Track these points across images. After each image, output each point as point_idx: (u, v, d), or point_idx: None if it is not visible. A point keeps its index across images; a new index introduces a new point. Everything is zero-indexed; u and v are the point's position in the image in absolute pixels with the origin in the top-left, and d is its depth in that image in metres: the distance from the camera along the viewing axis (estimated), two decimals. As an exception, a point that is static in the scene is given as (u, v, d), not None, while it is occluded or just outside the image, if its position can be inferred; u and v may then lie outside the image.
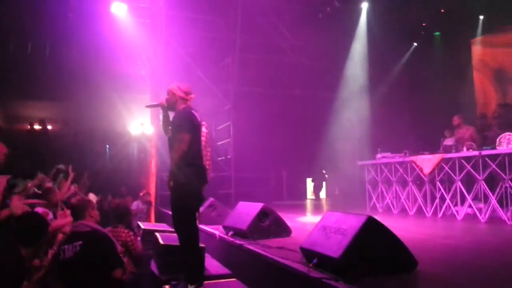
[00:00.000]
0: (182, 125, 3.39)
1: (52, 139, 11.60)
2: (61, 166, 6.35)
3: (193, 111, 3.52)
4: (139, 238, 4.84)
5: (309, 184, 13.41)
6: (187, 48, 10.02)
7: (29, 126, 11.81)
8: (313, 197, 12.91)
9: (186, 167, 3.34)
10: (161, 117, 3.79)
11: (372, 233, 2.82)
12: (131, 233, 4.36)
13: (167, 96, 3.62)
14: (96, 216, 3.39)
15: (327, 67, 11.45)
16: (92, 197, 7.94)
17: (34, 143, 10.97)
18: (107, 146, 11.77)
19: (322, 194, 13.03)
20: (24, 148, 10.69)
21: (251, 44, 10.69)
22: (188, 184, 3.37)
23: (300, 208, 9.50)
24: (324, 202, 11.73)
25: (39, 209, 3.86)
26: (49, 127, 12.08)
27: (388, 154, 7.64)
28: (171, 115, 3.64)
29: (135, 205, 8.23)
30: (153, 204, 9.44)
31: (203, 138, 6.19)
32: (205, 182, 3.54)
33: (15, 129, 11.92)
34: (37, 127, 11.76)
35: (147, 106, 4.05)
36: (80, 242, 3.11)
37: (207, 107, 10.36)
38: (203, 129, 6.31)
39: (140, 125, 11.77)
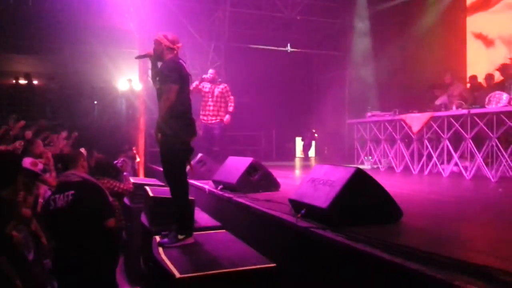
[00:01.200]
0: (170, 75, 3.31)
1: (38, 93, 11.37)
2: (44, 121, 6.27)
3: (180, 61, 3.44)
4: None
5: (299, 143, 13.51)
6: (176, 1, 9.68)
7: (14, 81, 11.53)
8: (302, 156, 13.04)
9: (174, 119, 3.29)
10: (149, 72, 3.71)
11: (360, 184, 2.86)
12: (115, 182, 4.40)
13: (154, 46, 3.52)
14: (86, 166, 3.37)
15: (319, 25, 11.22)
16: (83, 151, 7.92)
17: (20, 97, 10.75)
18: (95, 102, 11.57)
19: (312, 153, 13.17)
20: (9, 103, 10.50)
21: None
22: (176, 136, 3.34)
23: (289, 166, 9.60)
24: (313, 161, 11.86)
25: (28, 159, 3.82)
26: (35, 81, 11.81)
27: (377, 112, 7.67)
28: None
29: (121, 161, 8.23)
30: (143, 160, 9.45)
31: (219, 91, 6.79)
32: (194, 134, 3.50)
33: (0, 83, 11.63)
34: (22, 81, 11.49)
35: (136, 57, 3.94)
36: (72, 192, 3.10)
37: (197, 63, 10.17)
38: (223, 85, 6.89)
39: (127, 81, 11.55)
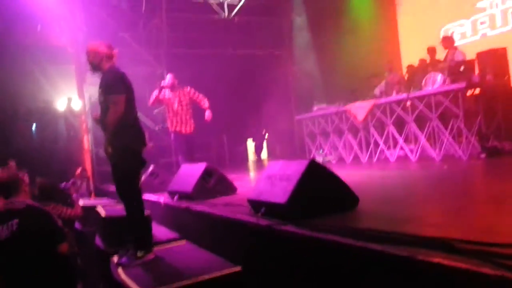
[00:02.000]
0: (114, 85, 3.16)
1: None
2: None
3: (121, 71, 3.30)
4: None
5: (250, 145, 13.52)
6: (109, 11, 9.36)
7: None
8: (255, 158, 13.06)
9: (122, 130, 3.16)
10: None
11: (315, 175, 2.87)
12: (62, 207, 4.16)
13: (88, 57, 3.32)
14: (29, 192, 3.14)
15: (258, 25, 11.31)
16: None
17: None
18: (32, 123, 10.91)
19: (264, 154, 13.23)
20: None
21: (178, 3, 10.22)
22: (126, 147, 3.21)
23: (242, 169, 9.57)
24: (266, 162, 11.91)
25: None
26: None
27: (323, 106, 7.83)
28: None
29: (70, 183, 7.84)
30: (92, 181, 9.04)
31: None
32: (144, 144, 3.39)
33: None
34: None
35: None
36: (16, 220, 2.87)
37: (138, 73, 9.88)
38: (187, 88, 6.30)
39: (67, 99, 11.00)
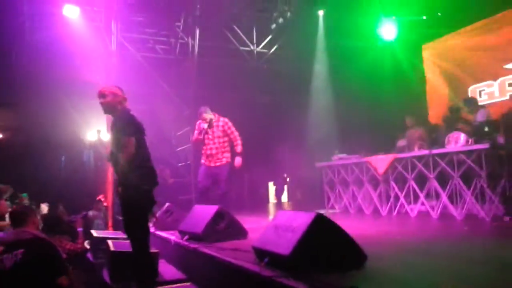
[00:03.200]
0: (125, 128, 3.30)
1: (3, 147, 11.07)
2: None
3: (131, 113, 3.44)
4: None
5: (271, 188, 13.49)
6: (143, 53, 9.85)
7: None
8: (275, 200, 12.99)
9: (132, 171, 3.26)
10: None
11: (321, 229, 2.84)
12: (64, 241, 4.24)
13: (103, 99, 3.42)
14: (37, 223, 3.24)
15: (286, 72, 11.58)
16: (43, 207, 7.65)
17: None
18: (62, 155, 11.34)
19: (284, 197, 13.15)
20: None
21: (209, 49, 10.64)
22: (137, 186, 3.29)
23: (260, 211, 9.51)
24: (285, 205, 11.81)
25: None
26: (0, 135, 11.53)
27: (344, 155, 7.79)
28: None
29: (90, 213, 8.00)
30: (111, 212, 9.18)
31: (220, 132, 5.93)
32: (154, 184, 3.46)
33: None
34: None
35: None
36: (22, 250, 2.95)
37: (166, 113, 10.23)
38: (219, 122, 6.00)
39: (96, 131, 11.42)
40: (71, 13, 8.71)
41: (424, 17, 8.90)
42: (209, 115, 6.06)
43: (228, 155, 6.03)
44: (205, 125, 6.04)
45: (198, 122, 6.19)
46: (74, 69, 9.94)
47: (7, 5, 9.06)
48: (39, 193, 7.74)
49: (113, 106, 3.42)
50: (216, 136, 6.00)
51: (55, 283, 2.96)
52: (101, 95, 3.43)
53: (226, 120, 6.09)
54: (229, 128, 6.04)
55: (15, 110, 11.32)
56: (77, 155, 11.24)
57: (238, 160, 5.93)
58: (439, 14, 8.77)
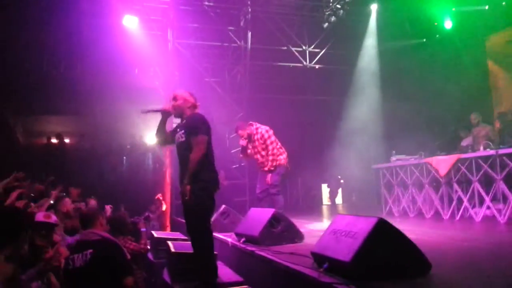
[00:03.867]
0: (199, 127, 3.42)
1: (69, 152, 11.83)
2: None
3: (203, 116, 3.55)
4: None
5: (325, 190, 13.32)
6: (198, 58, 10.10)
7: (46, 140, 12.07)
8: (329, 203, 12.81)
9: (204, 171, 3.35)
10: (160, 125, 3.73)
11: (383, 235, 2.75)
12: (128, 241, 4.42)
13: (175, 102, 3.61)
14: (104, 224, 3.42)
15: (338, 71, 11.39)
16: (107, 209, 8.05)
17: (52, 156, 11.19)
18: (124, 157, 11.91)
19: (338, 199, 12.93)
20: (42, 162, 10.94)
21: (261, 52, 10.71)
22: (205, 188, 3.38)
23: (315, 214, 9.41)
24: (340, 208, 11.60)
25: (41, 213, 3.82)
26: (66, 140, 12.33)
27: (403, 156, 7.51)
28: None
29: (144, 218, 8.33)
30: (169, 213, 9.49)
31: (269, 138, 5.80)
32: (218, 187, 3.55)
33: (34, 143, 12.19)
34: (54, 141, 12.01)
35: (145, 112, 3.83)
36: (91, 251, 3.13)
37: (220, 116, 10.41)
38: (257, 135, 5.88)
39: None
40: (131, 23, 9.12)
41: (487, 7, 8.38)
42: (245, 131, 5.99)
43: (276, 162, 5.87)
44: (244, 142, 5.99)
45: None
46: (133, 76, 10.44)
47: (71, 18, 9.68)
48: (103, 195, 8.16)
49: (182, 109, 3.59)
50: (260, 149, 5.94)
51: (121, 282, 3.11)
52: (173, 98, 3.65)
53: (264, 131, 5.94)
54: (265, 141, 5.89)
55: (81, 118, 12.08)
56: (138, 158, 11.75)
57: (269, 177, 5.79)
58: (504, 3, 8.23)
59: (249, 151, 6.05)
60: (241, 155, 6.25)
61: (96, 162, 11.26)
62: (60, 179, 6.95)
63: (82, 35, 9.88)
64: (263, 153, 5.93)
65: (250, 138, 6.02)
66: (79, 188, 7.62)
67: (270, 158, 5.86)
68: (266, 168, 5.90)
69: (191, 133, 3.45)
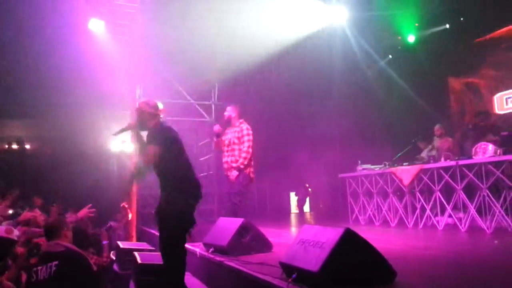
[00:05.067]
0: (155, 138, 3.32)
1: (31, 158, 11.39)
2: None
3: (167, 125, 3.47)
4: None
5: (293, 198, 13.42)
6: (167, 65, 9.98)
7: (6, 146, 11.58)
8: (297, 211, 12.91)
9: (174, 186, 3.29)
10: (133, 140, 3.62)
11: (350, 245, 2.80)
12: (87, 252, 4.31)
13: (136, 116, 3.53)
14: (70, 236, 3.30)
15: (307, 81, 11.55)
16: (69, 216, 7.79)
17: (11, 163, 10.74)
18: (87, 164, 11.58)
19: (306, 207, 13.05)
20: (1, 169, 10.48)
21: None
22: (180, 204, 3.31)
23: (283, 222, 9.45)
24: (307, 216, 11.71)
25: (1, 228, 3.69)
26: (27, 146, 11.86)
27: (368, 166, 7.70)
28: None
29: (112, 223, 8.10)
30: (135, 222, 9.27)
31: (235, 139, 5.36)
32: (199, 198, 3.48)
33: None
34: (14, 146, 11.54)
35: (115, 134, 3.71)
36: (56, 262, 3.02)
37: (188, 124, 10.32)
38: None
39: (121, 142, 11.63)
40: (97, 27, 8.92)
41: (447, 26, 8.76)
42: (234, 113, 5.61)
43: (246, 162, 5.44)
44: (226, 115, 5.62)
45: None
46: (99, 81, 10.18)
47: (34, 19, 9.36)
48: (66, 203, 7.89)
49: (141, 123, 3.49)
50: (235, 141, 5.48)
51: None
52: (135, 112, 3.56)
53: (249, 131, 5.55)
54: (244, 136, 5.47)
55: (42, 122, 11.66)
56: (101, 165, 11.45)
57: (234, 175, 5.41)
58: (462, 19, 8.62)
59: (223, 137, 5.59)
60: (215, 129, 5.59)
61: (58, 169, 10.88)
62: (20, 186, 6.69)
63: (45, 35, 9.57)
64: (236, 147, 5.45)
65: (229, 123, 5.63)
66: (41, 197, 7.34)
67: (243, 155, 5.38)
68: (234, 164, 5.40)
69: (148, 143, 3.38)
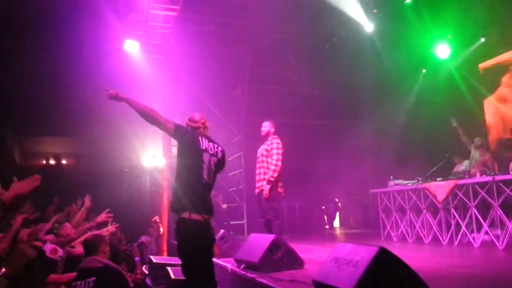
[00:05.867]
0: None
1: (66, 174, 11.79)
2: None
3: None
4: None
5: (323, 213, 13.28)
6: (197, 82, 10.22)
7: (44, 162, 12.05)
8: (327, 226, 12.76)
9: (182, 193, 3.16)
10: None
11: (385, 264, 2.77)
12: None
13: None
14: (107, 252, 3.41)
15: (336, 96, 11.53)
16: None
17: (49, 178, 11.14)
18: (121, 180, 11.88)
19: (336, 223, 12.89)
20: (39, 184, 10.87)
21: (260, 75, 10.87)
22: (187, 218, 3.05)
23: (313, 238, 9.37)
24: (338, 231, 11.56)
25: (49, 246, 3.83)
26: (64, 162, 12.31)
27: (400, 181, 7.56)
28: None
29: (143, 238, 8.28)
30: (166, 237, 9.40)
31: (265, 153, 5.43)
32: (205, 214, 3.14)
33: (31, 164, 12.16)
34: (52, 162, 11.99)
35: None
36: (94, 278, 3.12)
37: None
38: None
39: (152, 157, 11.89)
40: (131, 47, 9.26)
41: (483, 39, 8.61)
42: (270, 128, 5.67)
43: (276, 174, 5.41)
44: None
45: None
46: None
47: (71, 41, 9.81)
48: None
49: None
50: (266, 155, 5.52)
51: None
52: None
53: (280, 145, 5.57)
54: (273, 149, 5.47)
55: (79, 139, 12.09)
56: (135, 180, 11.72)
57: (267, 190, 5.37)
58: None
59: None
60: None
61: (93, 185, 11.20)
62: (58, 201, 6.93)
63: (82, 58, 10.01)
64: (265, 159, 5.51)
65: (267, 136, 5.65)
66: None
67: (272, 168, 5.35)
68: (263, 176, 5.42)
69: None
